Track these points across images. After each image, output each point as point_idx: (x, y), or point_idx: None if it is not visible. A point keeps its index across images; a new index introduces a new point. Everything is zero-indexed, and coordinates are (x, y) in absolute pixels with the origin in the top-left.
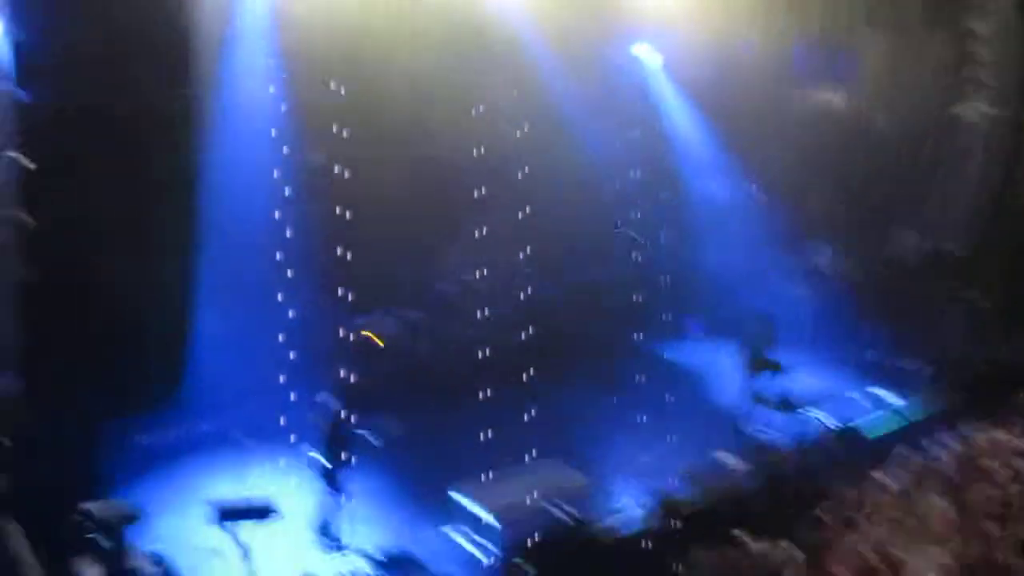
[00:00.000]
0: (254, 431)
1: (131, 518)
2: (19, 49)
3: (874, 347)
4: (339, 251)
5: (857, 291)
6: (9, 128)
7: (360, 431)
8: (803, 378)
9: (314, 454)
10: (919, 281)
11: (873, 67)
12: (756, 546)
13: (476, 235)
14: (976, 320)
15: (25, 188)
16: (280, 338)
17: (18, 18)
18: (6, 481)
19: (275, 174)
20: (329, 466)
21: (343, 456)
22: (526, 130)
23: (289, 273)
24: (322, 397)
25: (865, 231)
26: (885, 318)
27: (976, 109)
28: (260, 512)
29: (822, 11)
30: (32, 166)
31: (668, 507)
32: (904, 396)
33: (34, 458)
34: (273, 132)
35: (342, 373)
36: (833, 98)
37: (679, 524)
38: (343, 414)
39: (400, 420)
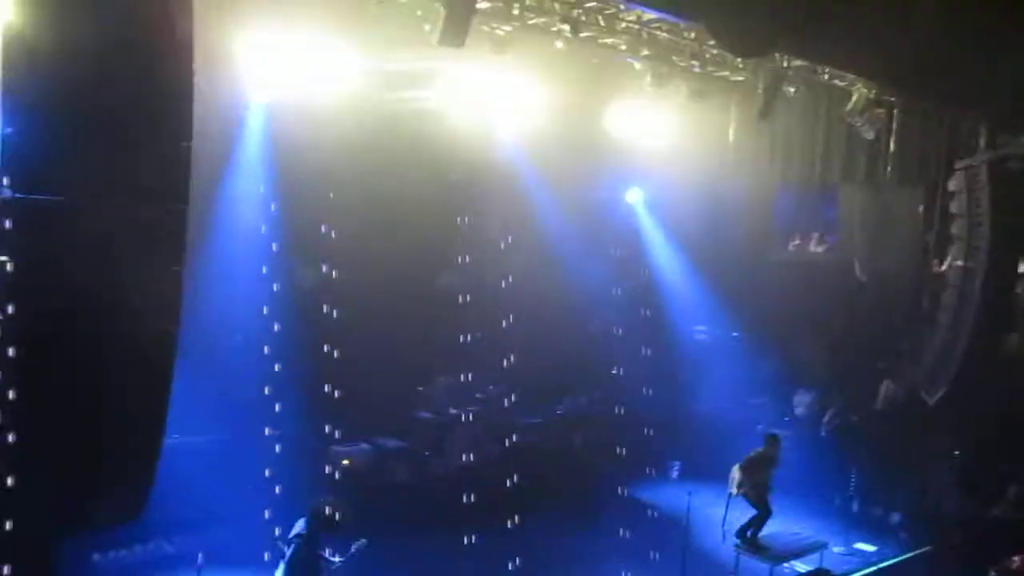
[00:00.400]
0: (220, 555)
1: None
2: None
3: (856, 497)
4: (323, 378)
5: (838, 439)
6: None
7: (331, 559)
8: (785, 526)
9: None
10: (898, 430)
11: (852, 219)
12: None
13: (460, 368)
14: (953, 471)
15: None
16: (255, 461)
17: (14, 119)
18: None
19: (262, 300)
20: None
21: None
22: (517, 266)
23: (269, 396)
24: (298, 526)
25: (846, 379)
26: (866, 466)
27: (949, 262)
28: None
29: (802, 164)
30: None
31: None
32: (883, 546)
33: None
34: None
35: (318, 499)
36: (814, 247)
37: None
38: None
39: (372, 549)
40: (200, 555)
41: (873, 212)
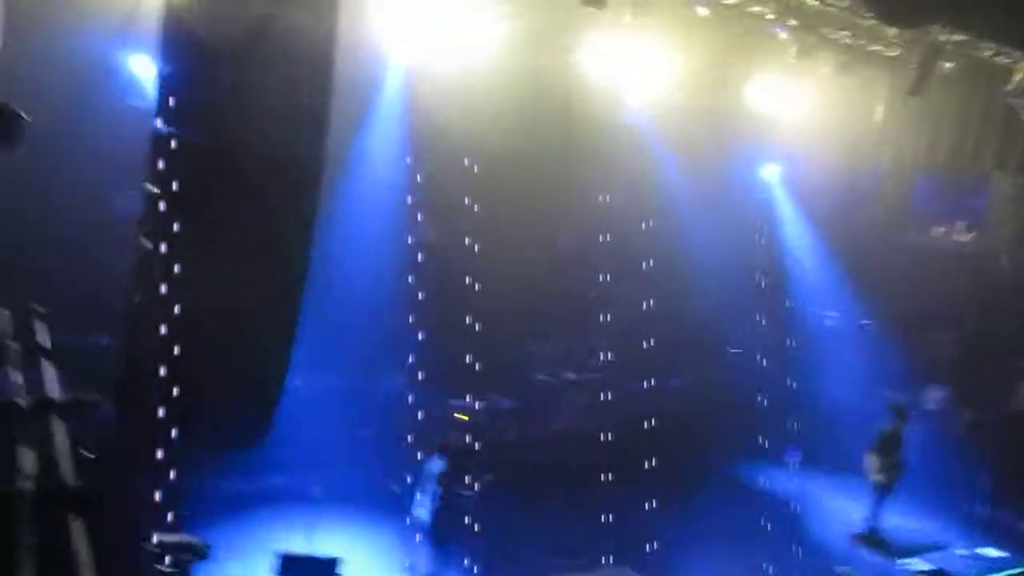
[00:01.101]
0: (333, 492)
1: (200, 554)
2: (171, 92)
3: (986, 500)
4: (445, 331)
5: (970, 439)
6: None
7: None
8: (906, 522)
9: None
10: None
11: (1003, 210)
12: None
13: (582, 331)
14: None
15: (152, 220)
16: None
17: (173, 65)
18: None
19: (391, 247)
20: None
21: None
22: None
23: (393, 351)
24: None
25: (982, 377)
26: (999, 471)
27: None
28: (325, 568)
29: (952, 148)
30: (158, 193)
31: None
32: (1015, 554)
33: (114, 477)
34: (403, 206)
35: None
36: (957, 236)
37: None
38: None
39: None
40: (317, 489)
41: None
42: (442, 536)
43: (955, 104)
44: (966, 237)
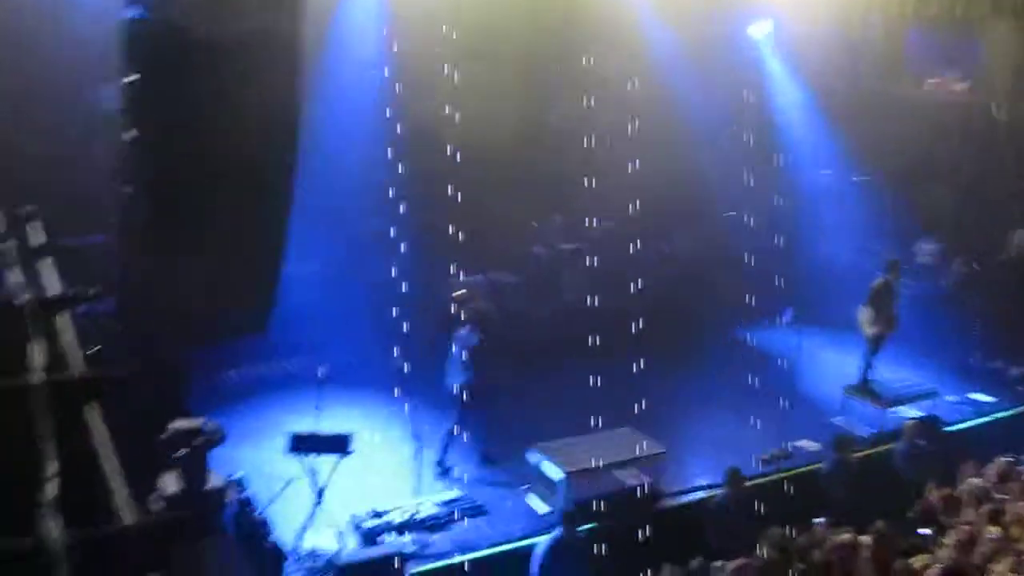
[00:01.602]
0: (339, 372)
1: (214, 438)
2: None
3: (977, 349)
4: (440, 210)
5: (963, 289)
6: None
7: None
8: (897, 373)
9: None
10: None
11: (995, 57)
12: (827, 533)
13: (574, 206)
14: None
15: (130, 111)
16: (375, 291)
17: None
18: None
19: (381, 129)
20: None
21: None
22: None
23: (386, 231)
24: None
25: (976, 228)
26: (993, 320)
27: None
28: (338, 444)
29: None
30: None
31: (742, 483)
32: (1004, 399)
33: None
34: (385, 83)
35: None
36: (950, 86)
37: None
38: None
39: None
40: (320, 369)
41: (1020, 50)
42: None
43: None
44: (960, 87)
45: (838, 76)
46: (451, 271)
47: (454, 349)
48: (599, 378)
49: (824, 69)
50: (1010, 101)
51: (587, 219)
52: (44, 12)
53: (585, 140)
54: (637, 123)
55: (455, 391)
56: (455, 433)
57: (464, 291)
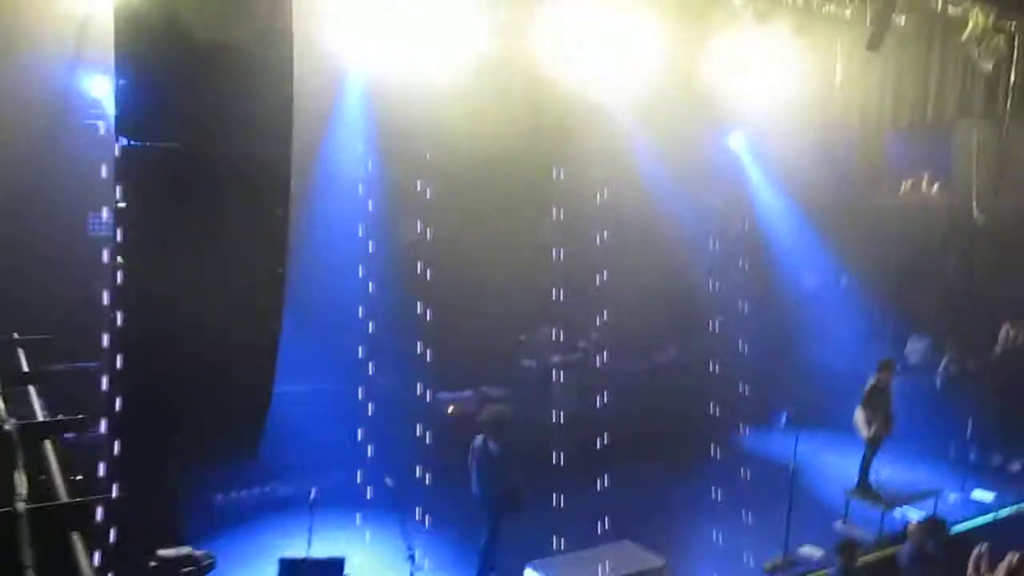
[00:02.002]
0: (332, 495)
1: (204, 566)
2: (129, 106)
3: (974, 445)
4: (428, 326)
5: (955, 386)
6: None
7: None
8: (898, 472)
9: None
10: (1019, 375)
11: (968, 158)
12: None
13: (558, 319)
14: None
15: (124, 239)
16: (359, 411)
17: (122, 73)
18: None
19: (365, 248)
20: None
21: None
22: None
23: (371, 349)
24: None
25: (963, 325)
26: (987, 415)
27: None
28: (330, 570)
29: (914, 102)
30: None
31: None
32: (1003, 496)
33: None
34: (365, 203)
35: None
36: (926, 189)
37: None
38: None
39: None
40: (313, 491)
41: (991, 150)
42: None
43: (913, 58)
44: (934, 189)
45: (819, 184)
46: (439, 389)
47: (471, 460)
48: (596, 488)
49: (805, 177)
50: (984, 200)
51: (578, 330)
52: (41, 136)
53: (572, 252)
54: (624, 233)
55: (482, 501)
56: (491, 544)
57: (457, 404)
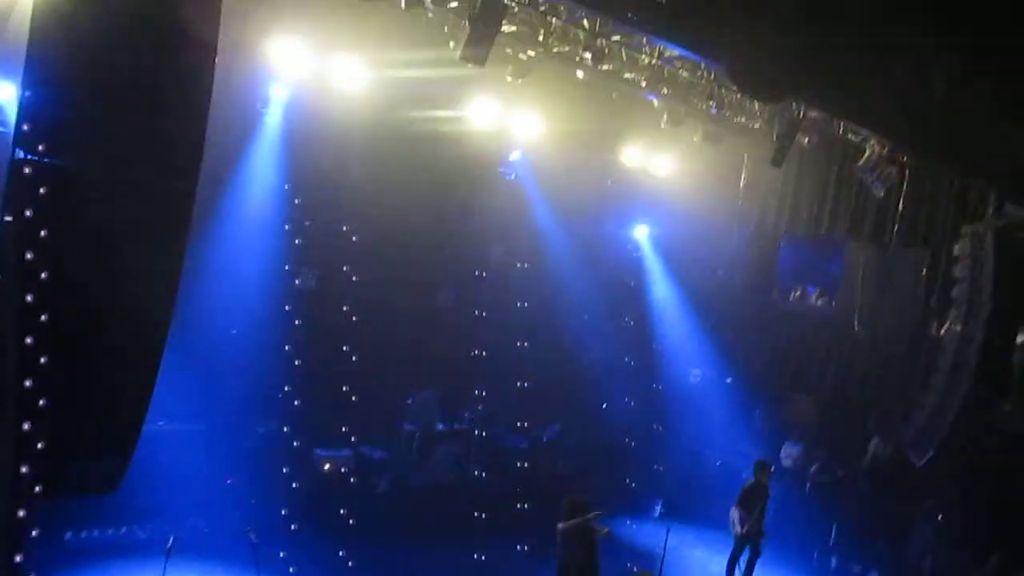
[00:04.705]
0: (191, 543)
1: None
2: (33, 118)
3: (836, 553)
4: (313, 377)
5: (822, 493)
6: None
7: None
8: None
9: None
10: (883, 488)
11: (855, 275)
12: None
13: (449, 384)
14: (936, 534)
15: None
16: (236, 455)
17: (30, 84)
18: None
19: (259, 292)
20: None
21: None
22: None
23: (259, 392)
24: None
25: (836, 434)
26: (848, 522)
27: (948, 326)
28: None
29: (810, 216)
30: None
31: None
32: None
33: None
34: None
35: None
36: (814, 301)
37: None
38: None
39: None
40: (171, 538)
41: (876, 270)
42: None
43: (813, 175)
44: (821, 301)
45: (713, 282)
46: (316, 442)
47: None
48: (469, 559)
49: (701, 273)
50: (866, 317)
51: (463, 400)
52: None
53: (467, 323)
54: (521, 309)
55: None
56: None
57: (333, 462)
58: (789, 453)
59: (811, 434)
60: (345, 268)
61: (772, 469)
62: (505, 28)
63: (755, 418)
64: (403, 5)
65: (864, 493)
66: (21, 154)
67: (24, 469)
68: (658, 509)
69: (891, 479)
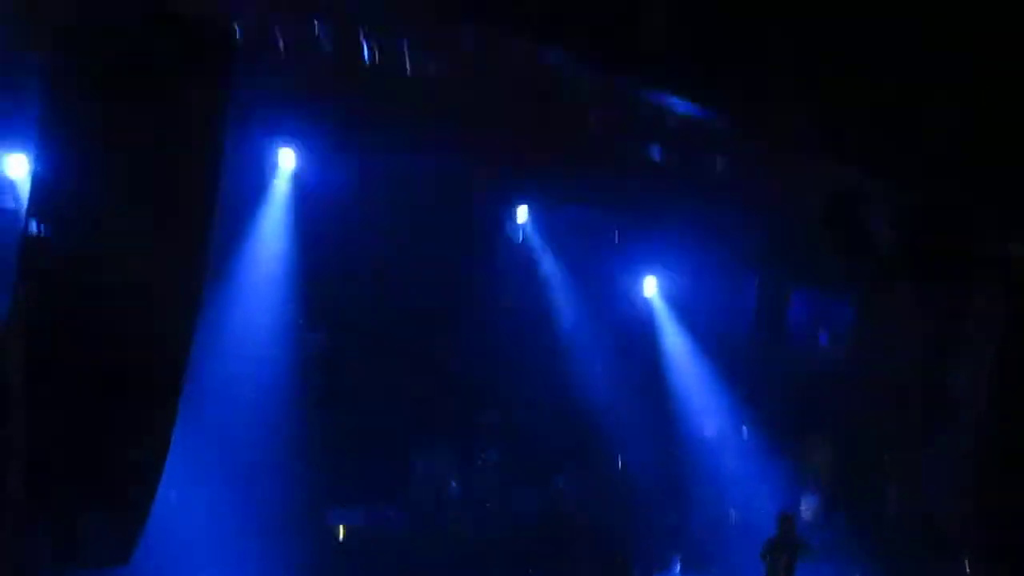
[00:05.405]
0: None
1: None
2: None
3: None
4: (321, 440)
5: (841, 545)
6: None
7: None
8: None
9: None
10: (905, 541)
11: (869, 323)
12: None
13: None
14: None
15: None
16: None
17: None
18: None
19: (268, 355)
20: None
21: None
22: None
23: (269, 458)
24: None
25: (853, 486)
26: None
27: (957, 377)
28: None
29: (817, 266)
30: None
31: None
32: None
33: None
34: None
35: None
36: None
37: None
38: None
39: None
40: None
41: (889, 315)
42: None
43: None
44: (834, 347)
45: (727, 334)
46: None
47: None
48: None
49: (711, 325)
50: (880, 363)
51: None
52: None
53: (486, 384)
54: (532, 362)
55: None
56: None
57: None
58: (808, 505)
59: (827, 482)
60: (354, 330)
61: (794, 520)
62: None
63: (771, 467)
64: None
65: (883, 545)
66: (37, 229)
67: (32, 539)
68: (677, 564)
69: (913, 532)
